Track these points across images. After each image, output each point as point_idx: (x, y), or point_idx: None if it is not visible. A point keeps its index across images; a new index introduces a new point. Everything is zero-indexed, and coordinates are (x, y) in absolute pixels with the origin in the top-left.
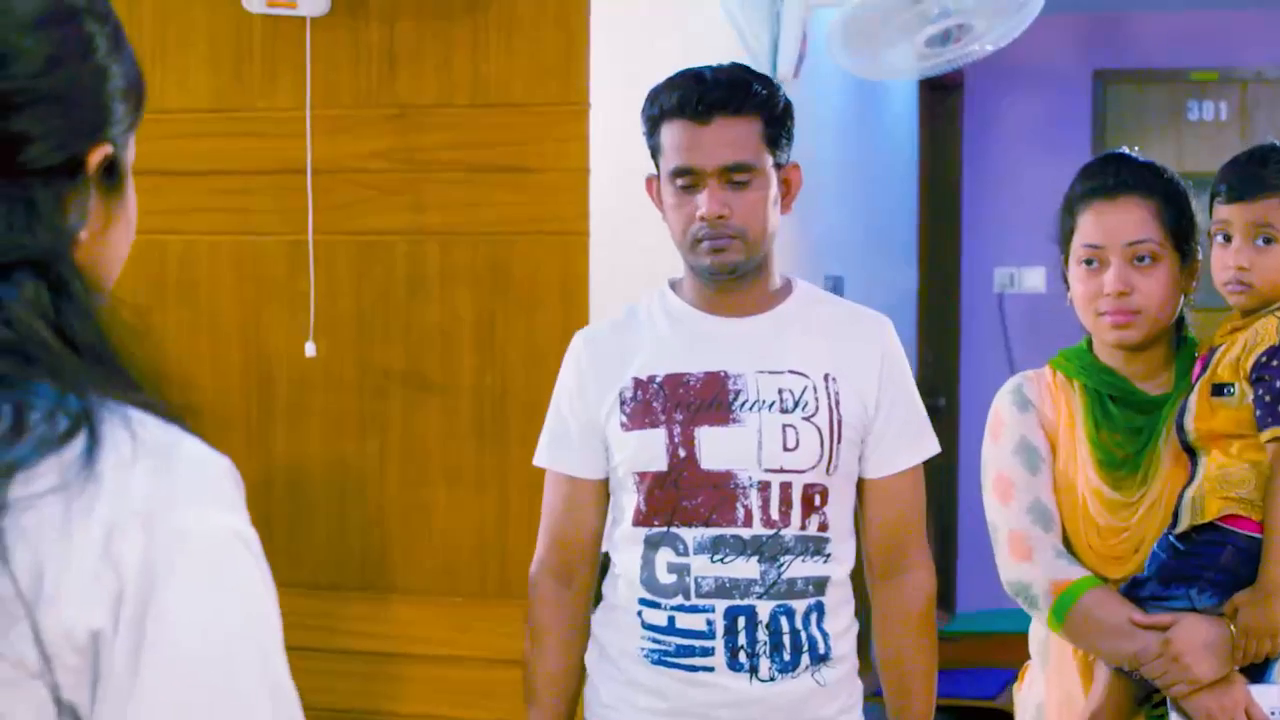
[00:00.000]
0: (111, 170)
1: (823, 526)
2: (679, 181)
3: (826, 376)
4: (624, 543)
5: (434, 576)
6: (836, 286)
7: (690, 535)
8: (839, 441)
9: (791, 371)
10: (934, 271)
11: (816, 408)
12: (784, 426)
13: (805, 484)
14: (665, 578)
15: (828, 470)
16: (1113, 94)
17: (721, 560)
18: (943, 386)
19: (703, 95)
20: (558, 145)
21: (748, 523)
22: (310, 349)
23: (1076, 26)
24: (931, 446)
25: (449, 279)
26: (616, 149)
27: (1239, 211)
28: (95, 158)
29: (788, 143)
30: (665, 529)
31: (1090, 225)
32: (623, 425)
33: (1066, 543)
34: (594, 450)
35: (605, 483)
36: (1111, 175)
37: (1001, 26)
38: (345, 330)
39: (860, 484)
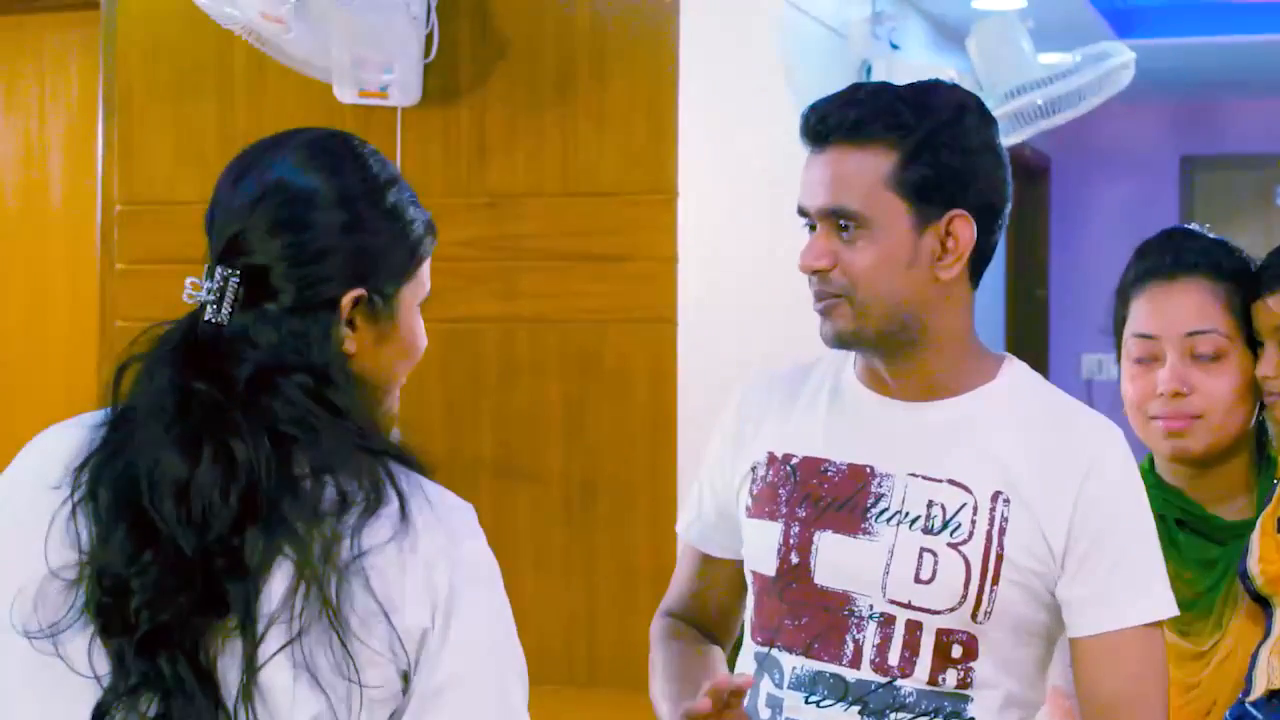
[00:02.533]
0: (373, 305)
1: (964, 684)
2: (802, 223)
3: (996, 496)
4: (743, 657)
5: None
6: None
7: (789, 664)
8: (994, 583)
9: (951, 482)
10: (1021, 357)
11: (971, 534)
12: (922, 550)
13: (940, 628)
14: (763, 712)
15: (975, 616)
16: (1201, 180)
17: (816, 703)
18: None
19: (823, 114)
20: (647, 234)
21: (855, 663)
22: (395, 435)
23: (1165, 113)
24: (1161, 607)
25: (538, 366)
26: (705, 237)
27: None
28: (347, 300)
29: (947, 187)
30: (768, 650)
31: (1143, 312)
32: (747, 509)
33: None
34: (731, 528)
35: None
36: (1170, 253)
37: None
38: (435, 417)
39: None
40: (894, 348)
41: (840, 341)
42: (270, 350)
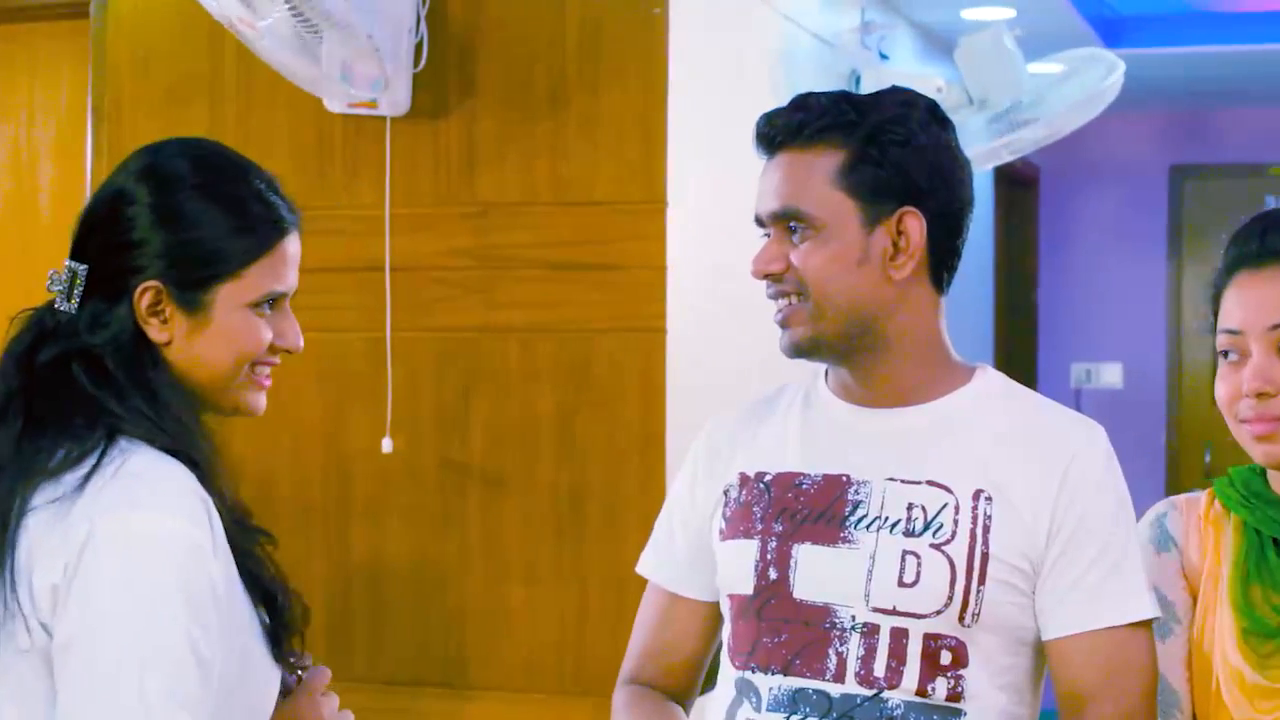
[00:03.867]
0: (178, 298)
1: (954, 695)
2: (760, 234)
3: (978, 494)
4: (720, 685)
5: (513, 673)
6: None
7: (766, 685)
8: (981, 582)
9: (930, 483)
10: (1010, 367)
11: (954, 533)
12: (904, 553)
13: (926, 634)
14: None
15: (962, 619)
16: (1190, 189)
17: None
18: None
19: (771, 121)
20: (637, 243)
21: (839, 677)
22: (387, 444)
23: (1153, 123)
24: (1139, 607)
25: (529, 376)
26: (694, 247)
27: None
28: (138, 292)
29: (895, 183)
30: (742, 673)
31: (1230, 305)
32: (720, 532)
33: None
34: (704, 564)
35: (717, 608)
36: (1257, 239)
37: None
38: (425, 427)
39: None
40: (855, 353)
41: (798, 350)
42: (74, 337)
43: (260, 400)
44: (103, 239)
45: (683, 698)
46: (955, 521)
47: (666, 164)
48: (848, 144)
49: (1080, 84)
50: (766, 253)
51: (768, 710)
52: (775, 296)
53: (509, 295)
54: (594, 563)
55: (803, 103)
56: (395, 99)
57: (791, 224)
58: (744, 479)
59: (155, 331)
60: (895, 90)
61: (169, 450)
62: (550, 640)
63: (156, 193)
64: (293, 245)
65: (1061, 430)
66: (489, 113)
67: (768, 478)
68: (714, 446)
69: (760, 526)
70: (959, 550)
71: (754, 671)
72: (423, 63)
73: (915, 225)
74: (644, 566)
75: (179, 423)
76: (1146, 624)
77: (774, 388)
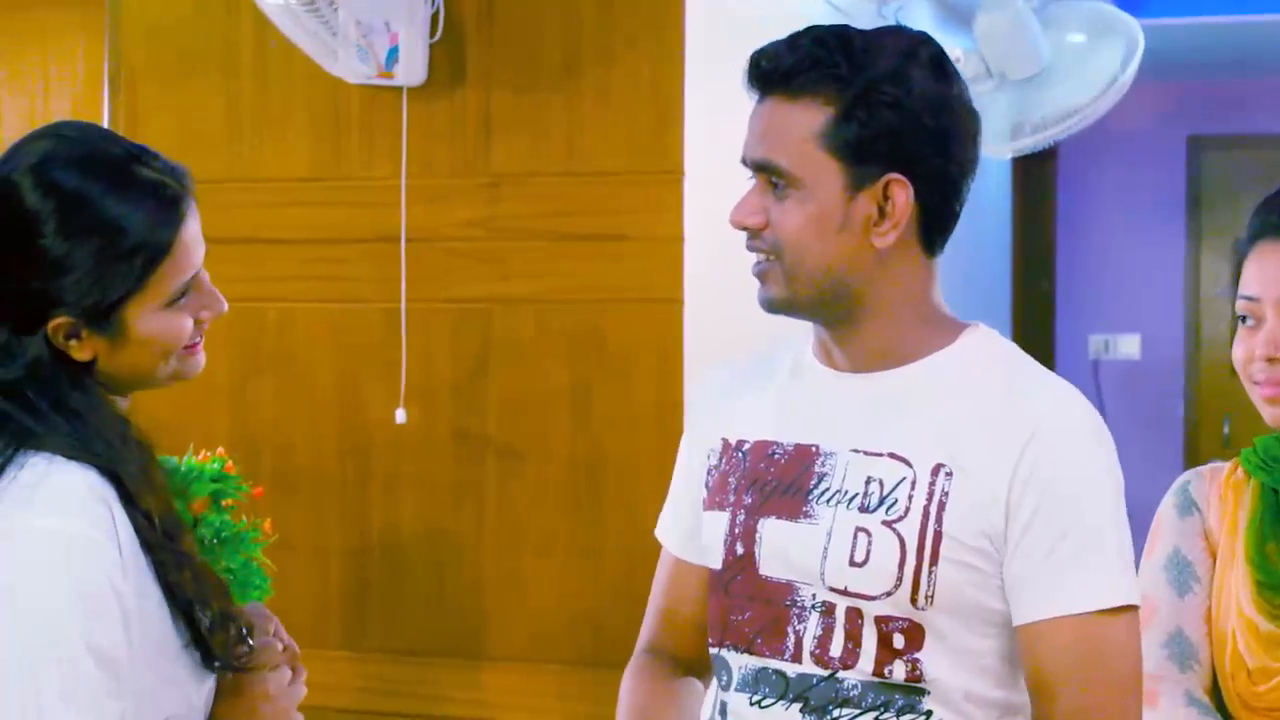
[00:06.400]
0: (90, 325)
1: (914, 677)
2: (746, 175)
3: (938, 469)
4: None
5: (529, 644)
6: None
7: (736, 663)
8: (933, 563)
9: (891, 455)
10: (1028, 339)
11: (907, 510)
12: (856, 530)
13: (878, 616)
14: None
15: (914, 601)
16: (1208, 160)
17: (759, 704)
18: None
19: (760, 61)
20: (652, 214)
21: (796, 656)
22: (401, 415)
23: (1170, 93)
24: (1114, 593)
25: (543, 347)
26: (710, 217)
27: None
28: (50, 326)
29: (883, 148)
30: (718, 650)
31: (1250, 271)
32: (704, 502)
33: (1217, 686)
34: (701, 528)
35: None
36: (1278, 210)
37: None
38: (440, 398)
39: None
40: (831, 316)
41: (773, 307)
42: None
43: (199, 362)
44: (10, 269)
45: (697, 665)
46: (910, 497)
47: (683, 134)
48: (836, 100)
49: (1100, 63)
50: (746, 204)
51: (736, 690)
52: (751, 250)
53: (524, 266)
54: (609, 534)
55: (794, 44)
56: (412, 70)
57: (773, 178)
58: (725, 446)
59: (77, 353)
60: (899, 34)
61: (94, 465)
62: (565, 611)
63: (65, 221)
64: (192, 227)
65: (1030, 397)
66: (505, 83)
67: (746, 446)
68: (703, 406)
69: (733, 498)
70: (910, 529)
71: (726, 649)
72: (439, 33)
73: (901, 193)
74: (658, 529)
75: (106, 444)
76: (1124, 610)
77: (771, 349)
